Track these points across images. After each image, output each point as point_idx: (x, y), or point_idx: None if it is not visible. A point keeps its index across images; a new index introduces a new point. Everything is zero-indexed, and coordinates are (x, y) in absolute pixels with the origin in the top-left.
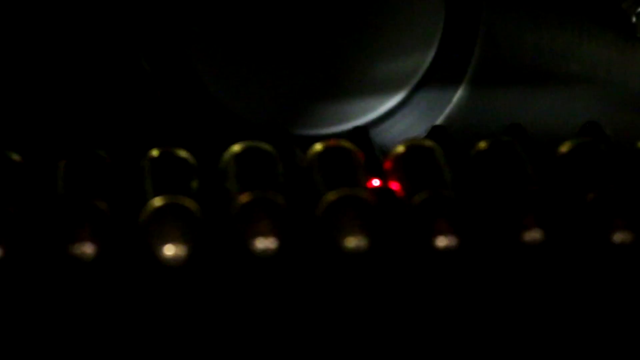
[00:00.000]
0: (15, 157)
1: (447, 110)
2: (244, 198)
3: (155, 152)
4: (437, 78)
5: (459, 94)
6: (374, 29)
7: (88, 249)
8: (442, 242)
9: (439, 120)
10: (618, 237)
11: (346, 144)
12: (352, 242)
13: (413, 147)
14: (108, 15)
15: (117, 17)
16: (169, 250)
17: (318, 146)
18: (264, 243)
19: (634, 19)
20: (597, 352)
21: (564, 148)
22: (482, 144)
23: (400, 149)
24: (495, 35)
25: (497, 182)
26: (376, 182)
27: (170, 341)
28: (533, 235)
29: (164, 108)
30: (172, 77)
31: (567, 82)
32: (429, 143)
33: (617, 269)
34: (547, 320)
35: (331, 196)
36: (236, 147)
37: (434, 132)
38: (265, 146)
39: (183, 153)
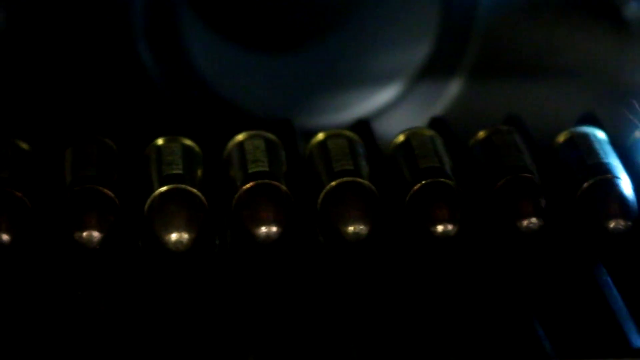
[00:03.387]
0: (24, 145)
1: (445, 103)
2: (248, 186)
3: (160, 141)
4: (434, 70)
5: (456, 87)
6: (373, 21)
7: (94, 235)
8: (440, 229)
9: (436, 112)
10: (613, 225)
11: (348, 133)
12: (353, 229)
13: (414, 135)
14: (109, 8)
15: (118, 10)
16: (174, 237)
17: (320, 135)
18: (267, 230)
19: (626, 13)
20: (593, 340)
21: (561, 138)
22: (481, 134)
23: (401, 137)
24: (491, 28)
25: (494, 171)
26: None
27: (171, 328)
28: (530, 223)
29: (166, 101)
30: (173, 70)
31: (562, 74)
32: (429, 132)
33: (613, 256)
34: (541, 308)
35: (333, 184)
36: (240, 136)
37: (434, 124)
38: (269, 135)
39: (188, 142)
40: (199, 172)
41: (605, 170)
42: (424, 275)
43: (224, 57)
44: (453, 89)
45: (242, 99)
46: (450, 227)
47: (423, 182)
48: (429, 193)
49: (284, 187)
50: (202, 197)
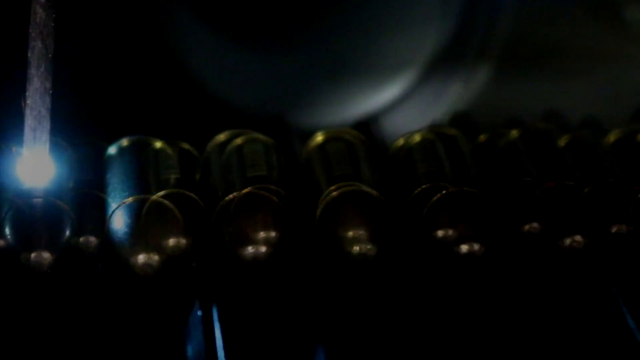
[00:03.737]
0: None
1: (445, 105)
2: (247, 190)
3: (158, 144)
4: (436, 73)
5: (457, 89)
6: (375, 20)
7: (91, 240)
8: (441, 233)
9: (437, 115)
10: (616, 229)
11: (347, 135)
12: (356, 240)
13: (414, 139)
14: (105, 11)
15: (114, 13)
16: (172, 242)
17: (319, 137)
18: (265, 235)
19: (627, 14)
20: (599, 342)
21: (563, 141)
22: (482, 137)
23: (401, 141)
24: (493, 31)
25: (496, 174)
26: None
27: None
28: (531, 227)
29: (161, 103)
30: (168, 72)
31: (566, 75)
32: (430, 135)
33: (617, 260)
34: (548, 312)
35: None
36: (238, 140)
37: (434, 127)
38: (266, 138)
39: (186, 146)
40: (197, 176)
41: (607, 174)
42: (425, 280)
43: (220, 53)
44: (454, 91)
45: (238, 98)
46: (450, 231)
47: (423, 186)
48: (429, 197)
49: (282, 191)
50: (200, 201)
